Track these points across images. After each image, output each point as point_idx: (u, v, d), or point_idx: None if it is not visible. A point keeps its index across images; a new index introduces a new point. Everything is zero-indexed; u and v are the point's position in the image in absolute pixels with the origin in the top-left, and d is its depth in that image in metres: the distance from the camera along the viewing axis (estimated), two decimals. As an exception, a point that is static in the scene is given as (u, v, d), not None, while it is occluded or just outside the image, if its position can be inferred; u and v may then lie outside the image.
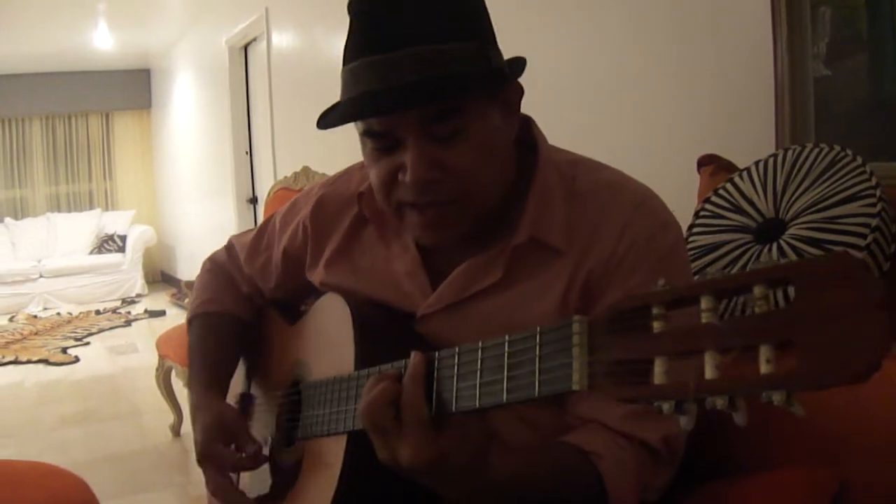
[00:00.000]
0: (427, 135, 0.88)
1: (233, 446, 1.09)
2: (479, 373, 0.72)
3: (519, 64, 0.97)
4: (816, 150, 1.36)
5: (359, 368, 0.93)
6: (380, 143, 0.92)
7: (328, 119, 0.96)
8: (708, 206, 1.47)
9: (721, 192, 1.47)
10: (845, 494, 1.01)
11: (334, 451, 0.96)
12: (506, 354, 0.69)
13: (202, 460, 1.09)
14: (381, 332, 1.01)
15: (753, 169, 1.44)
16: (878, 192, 1.22)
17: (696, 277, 0.55)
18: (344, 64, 0.92)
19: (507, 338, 0.70)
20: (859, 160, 1.28)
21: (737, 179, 1.46)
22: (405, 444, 0.75)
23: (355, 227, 1.11)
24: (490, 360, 0.71)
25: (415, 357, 0.78)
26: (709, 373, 0.52)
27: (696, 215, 1.47)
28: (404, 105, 0.87)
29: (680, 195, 1.07)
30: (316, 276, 1.15)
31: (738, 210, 1.41)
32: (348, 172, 1.18)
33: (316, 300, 1.14)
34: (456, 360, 0.75)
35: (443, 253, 1.01)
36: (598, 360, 0.61)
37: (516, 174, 1.00)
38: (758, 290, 0.50)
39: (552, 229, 0.95)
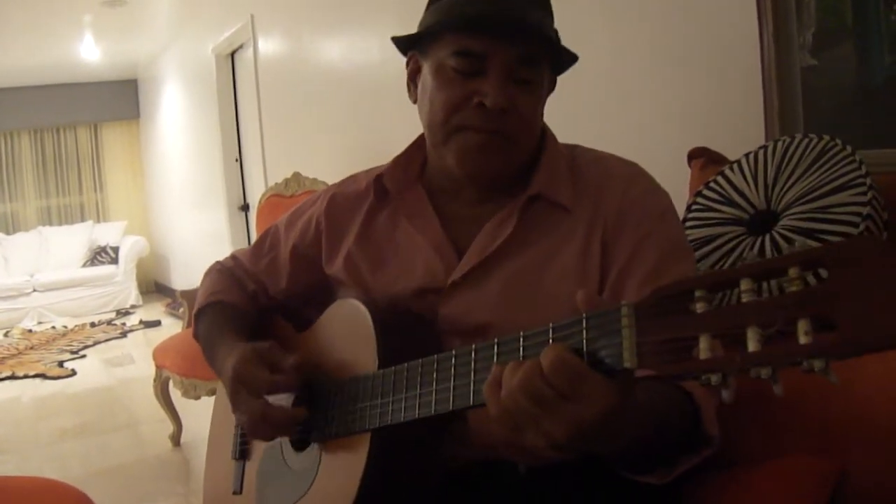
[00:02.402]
0: (511, 73, 1.01)
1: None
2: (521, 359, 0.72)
3: (570, 61, 1.09)
4: (806, 140, 1.36)
5: (383, 367, 0.96)
6: (467, 65, 1.01)
7: (425, 28, 1.06)
8: (700, 200, 1.47)
9: (713, 185, 1.47)
10: (846, 482, 1.02)
11: (356, 451, 0.97)
12: (550, 341, 0.70)
13: (235, 387, 1.07)
14: (403, 330, 1.05)
15: (744, 161, 1.44)
16: (868, 181, 1.23)
17: (737, 264, 0.59)
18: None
19: (550, 325, 0.71)
20: (849, 149, 1.29)
21: (728, 172, 1.46)
22: (585, 400, 0.66)
23: (371, 216, 1.18)
24: (532, 347, 0.72)
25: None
26: (752, 346, 0.56)
27: (689, 209, 1.48)
28: (521, 30, 1.00)
29: (671, 189, 1.09)
30: (336, 266, 1.19)
31: (730, 202, 1.41)
32: (354, 176, 1.27)
33: (326, 308, 1.16)
34: (495, 350, 0.76)
35: (461, 224, 1.10)
36: (646, 341, 0.63)
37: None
38: (792, 272, 0.55)
39: (560, 190, 1.06)
